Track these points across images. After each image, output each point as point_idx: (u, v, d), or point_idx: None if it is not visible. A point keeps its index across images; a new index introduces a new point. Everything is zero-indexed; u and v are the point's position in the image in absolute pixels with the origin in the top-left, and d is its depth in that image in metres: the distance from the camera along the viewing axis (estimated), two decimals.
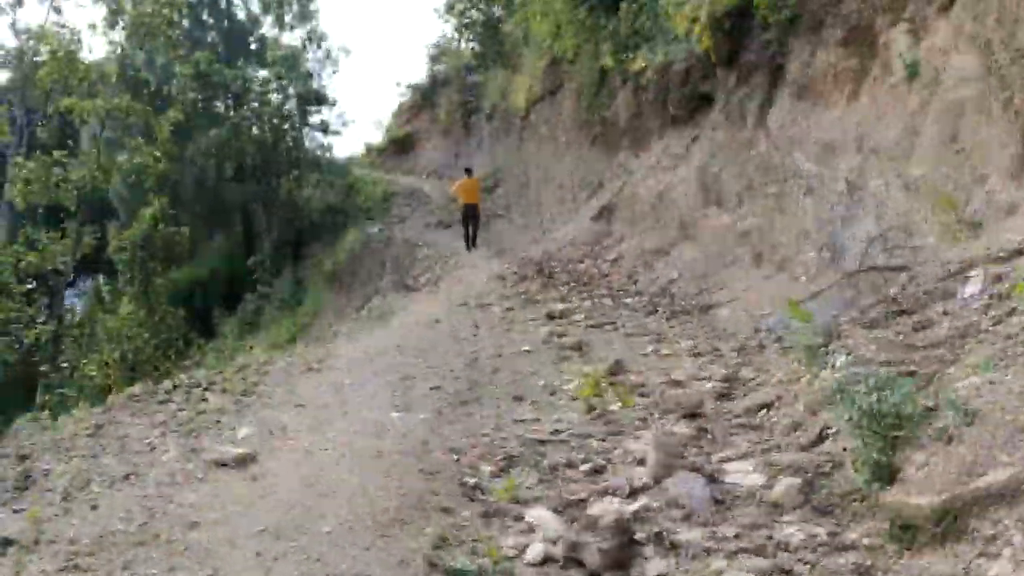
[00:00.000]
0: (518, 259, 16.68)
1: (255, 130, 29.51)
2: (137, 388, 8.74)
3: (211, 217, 33.69)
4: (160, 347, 21.34)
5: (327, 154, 34.42)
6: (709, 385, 6.96)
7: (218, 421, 7.26)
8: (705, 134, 13.72)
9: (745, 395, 6.62)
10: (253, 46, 34.43)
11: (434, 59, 47.07)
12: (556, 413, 7.16)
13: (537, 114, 24.44)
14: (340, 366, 9.03)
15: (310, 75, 29.26)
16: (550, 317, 11.49)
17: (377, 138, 52.75)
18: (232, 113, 28.91)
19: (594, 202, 16.70)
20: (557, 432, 6.56)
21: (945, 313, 6.04)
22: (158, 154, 19.19)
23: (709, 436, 5.92)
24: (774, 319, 9.71)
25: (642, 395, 7.30)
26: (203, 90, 26.79)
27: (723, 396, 6.68)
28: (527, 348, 9.63)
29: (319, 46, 31.45)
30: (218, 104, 28.77)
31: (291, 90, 28.36)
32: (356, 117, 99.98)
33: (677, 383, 7.39)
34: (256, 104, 29.01)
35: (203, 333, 30.79)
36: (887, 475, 4.36)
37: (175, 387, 8.77)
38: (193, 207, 31.84)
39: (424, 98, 44.60)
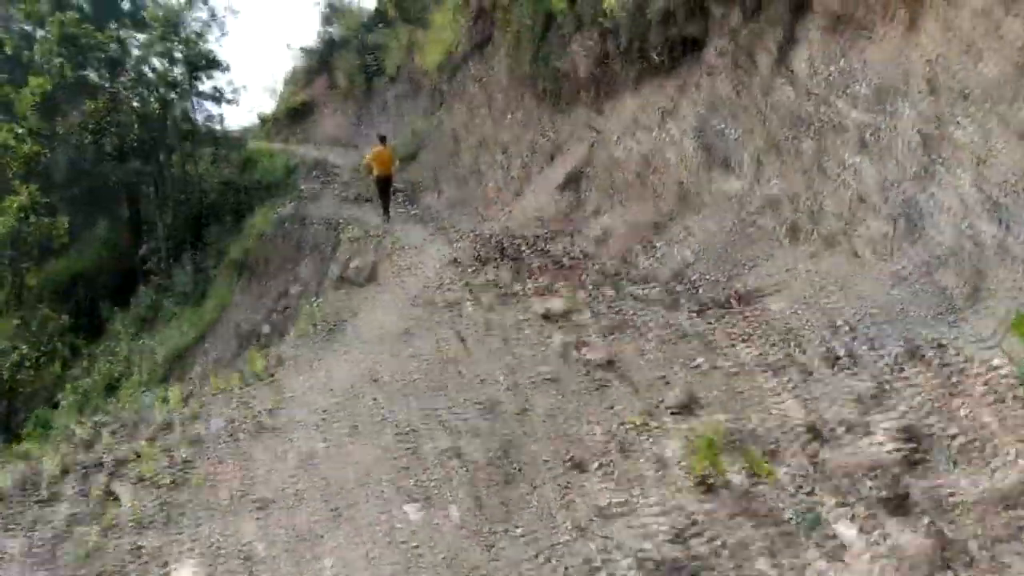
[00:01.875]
0: (469, 238, 14.13)
1: (137, 102, 25.75)
2: (7, 479, 5.91)
3: (91, 202, 29.69)
4: (40, 360, 17.97)
5: (220, 125, 30.81)
6: (881, 442, 4.70)
7: (139, 548, 4.60)
8: (696, 83, 11.46)
9: (956, 463, 4.39)
10: (126, 6, 30.27)
11: (327, 20, 43.62)
12: (650, 491, 4.81)
13: (463, 71, 21.75)
14: (304, 418, 6.42)
15: (199, 35, 25.54)
16: (547, 318, 9.07)
17: (269, 107, 48.88)
18: (108, 83, 25.01)
19: (555, 170, 14.28)
20: (682, 538, 4.22)
21: None
22: (21, 131, 15.68)
23: (958, 551, 3.67)
24: (857, 315, 7.59)
25: (770, 452, 5.02)
26: (72, 56, 22.87)
27: (917, 464, 4.44)
28: (546, 372, 7.21)
29: (203, 3, 27.59)
30: (91, 72, 24.79)
31: (176, 54, 24.66)
32: (246, 85, 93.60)
33: (814, 433, 5.12)
34: (136, 71, 25.24)
35: (90, 332, 27.12)
36: None
37: (64, 472, 5.99)
38: (69, 191, 27.85)
39: (320, 62, 41.27)
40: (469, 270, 12.12)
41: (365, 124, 34.35)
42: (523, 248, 12.62)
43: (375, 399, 6.81)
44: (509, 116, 17.39)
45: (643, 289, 9.72)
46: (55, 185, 27.77)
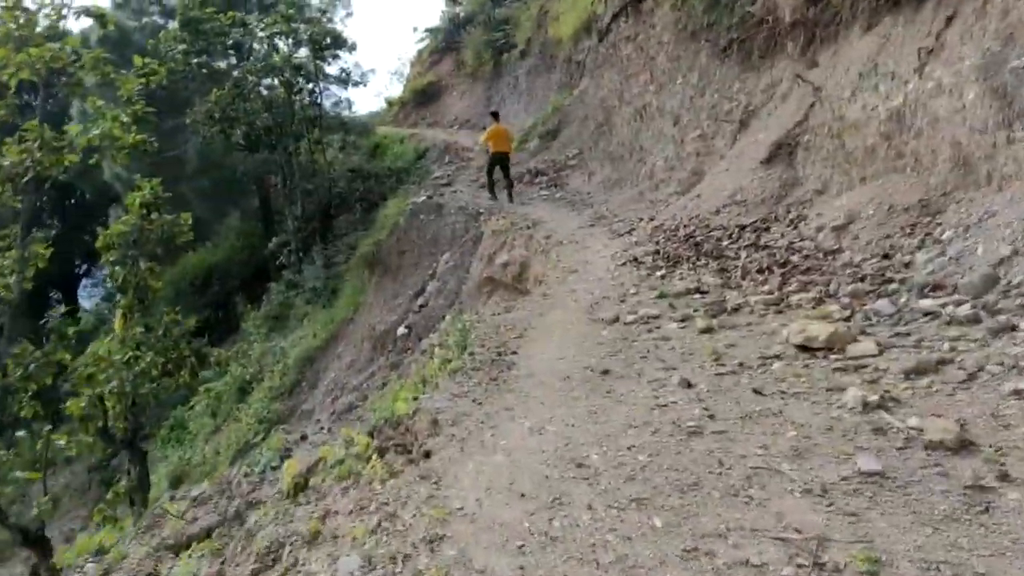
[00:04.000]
0: (646, 230, 11.29)
1: (264, 88, 24.04)
2: None
3: (222, 193, 28.57)
4: (168, 367, 16.25)
5: (349, 110, 29.00)
6: None
7: None
8: (976, 8, 8.17)
9: None
10: None
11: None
12: None
13: (612, 35, 18.84)
14: (488, 562, 3.77)
15: (323, 12, 23.59)
16: (807, 351, 6.14)
17: (396, 91, 47.39)
18: (235, 70, 23.36)
19: (752, 139, 11.22)
20: None
21: None
22: (125, 119, 13.77)
23: None
24: None
25: None
26: (194, 41, 21.26)
27: None
28: (865, 461, 4.32)
29: None
30: (217, 60, 23.21)
31: (302, 35, 22.71)
32: (374, 68, 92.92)
33: None
34: (262, 56, 23.48)
35: (226, 328, 25.95)
36: None
37: None
38: (200, 183, 26.67)
39: (446, 42, 39.30)
40: (657, 273, 9.30)
41: (495, 103, 31.90)
42: (724, 241, 9.66)
43: (592, 512, 4.09)
44: (679, 79, 14.35)
45: (937, 301, 6.61)
46: (187, 177, 26.67)
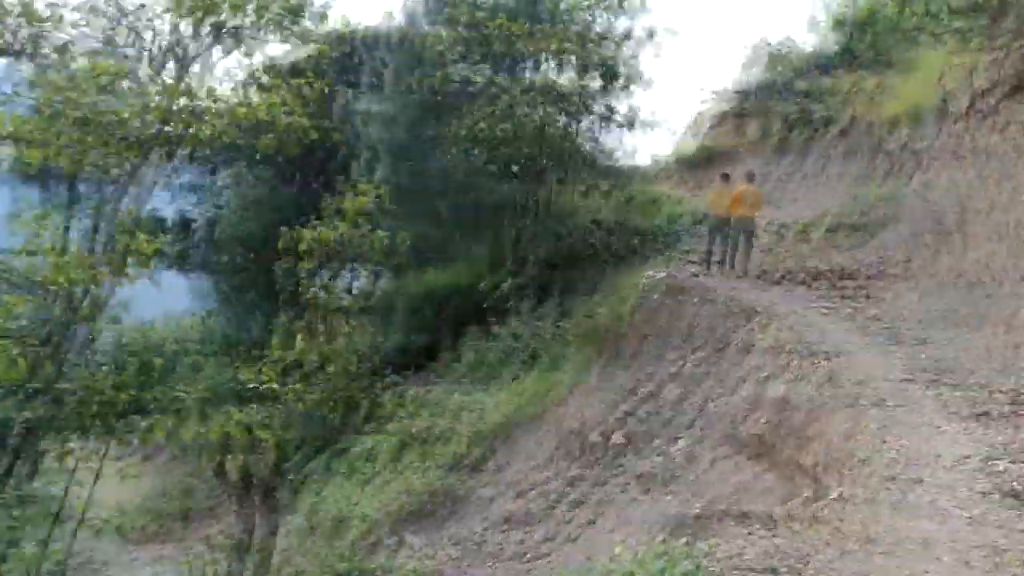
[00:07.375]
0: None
1: (538, 113, 20.44)
2: None
3: (479, 218, 25.58)
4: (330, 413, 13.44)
5: (632, 157, 25.30)
6: None
7: None
8: None
9: None
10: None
11: (751, 63, 37.11)
12: None
13: (971, 120, 14.09)
14: None
15: (623, 40, 20.02)
16: None
17: (664, 147, 43.39)
18: (494, 87, 20.24)
19: None
20: None
21: None
22: (293, 104, 10.86)
23: None
24: None
25: None
26: (467, 48, 18.81)
27: None
28: None
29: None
30: (483, 72, 20.40)
31: (592, 58, 19.39)
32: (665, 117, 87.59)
33: None
34: (540, 77, 20.33)
35: (424, 360, 22.53)
36: None
37: None
38: (459, 203, 23.86)
39: (736, 108, 34.77)
40: None
41: (780, 181, 27.11)
42: None
43: None
44: None
45: None
46: (445, 193, 23.87)
